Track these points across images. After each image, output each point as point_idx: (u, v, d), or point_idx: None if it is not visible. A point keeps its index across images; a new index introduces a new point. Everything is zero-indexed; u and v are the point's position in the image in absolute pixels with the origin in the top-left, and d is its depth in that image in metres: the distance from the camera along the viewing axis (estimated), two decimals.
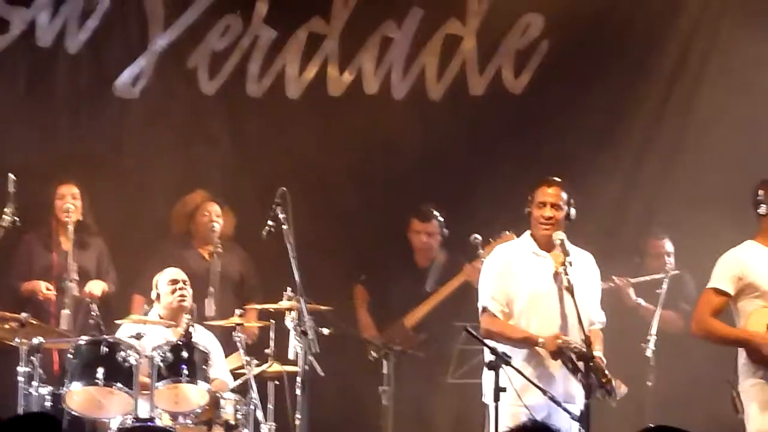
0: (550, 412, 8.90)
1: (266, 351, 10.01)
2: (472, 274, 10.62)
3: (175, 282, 10.16)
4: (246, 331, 10.17)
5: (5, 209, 10.12)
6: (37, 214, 10.71)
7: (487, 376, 8.72)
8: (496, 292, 9.23)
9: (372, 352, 10.76)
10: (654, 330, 10.78)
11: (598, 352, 9.01)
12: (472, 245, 10.39)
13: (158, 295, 10.18)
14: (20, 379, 9.65)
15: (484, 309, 9.19)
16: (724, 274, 9.29)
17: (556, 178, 9.35)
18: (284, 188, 9.89)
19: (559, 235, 9.18)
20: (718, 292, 9.23)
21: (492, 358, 8.69)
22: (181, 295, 10.10)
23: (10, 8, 11.74)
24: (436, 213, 11.32)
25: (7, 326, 9.82)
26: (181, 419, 9.59)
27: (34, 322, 9.99)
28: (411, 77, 12.36)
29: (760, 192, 9.26)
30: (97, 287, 10.80)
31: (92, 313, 10.37)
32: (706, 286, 9.32)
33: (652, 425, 4.89)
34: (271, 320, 10.09)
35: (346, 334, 10.85)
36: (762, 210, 9.27)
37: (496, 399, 8.57)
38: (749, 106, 11.85)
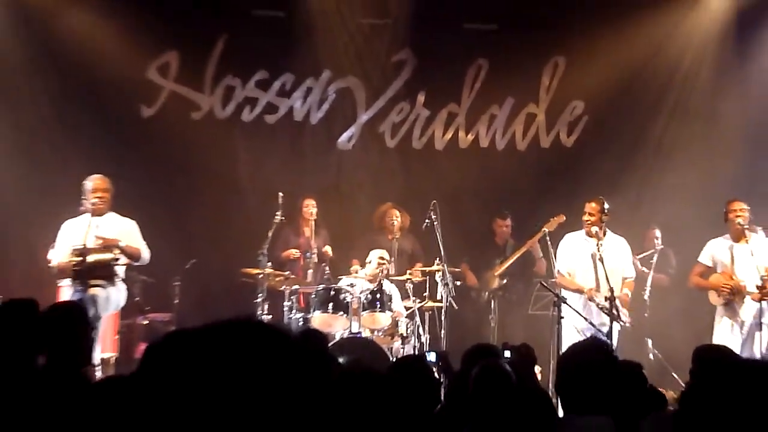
0: (591, 332, 8.91)
1: (424, 294, 10.06)
2: (532, 245, 10.54)
3: (382, 259, 10.10)
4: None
5: (277, 213, 10.09)
6: (292, 215, 10.76)
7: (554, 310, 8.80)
8: (564, 262, 9.44)
9: (482, 294, 10.83)
10: (648, 284, 10.72)
11: (626, 290, 9.45)
12: (536, 229, 10.31)
13: (371, 262, 10.10)
14: (285, 310, 9.79)
15: (558, 271, 9.34)
16: (705, 253, 9.60)
17: (596, 198, 9.47)
18: (435, 201, 9.97)
19: (594, 229, 9.27)
20: (702, 264, 9.45)
21: (555, 299, 8.77)
22: (384, 268, 10.09)
23: (279, 98, 11.82)
24: (508, 213, 11.24)
25: (278, 279, 9.98)
26: (376, 333, 9.66)
27: (293, 277, 10.15)
28: (507, 137, 12.22)
29: (725, 208, 9.52)
30: (329, 250, 10.77)
31: (325, 270, 10.52)
32: (697, 258, 9.70)
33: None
34: (427, 276, 10.17)
35: (468, 284, 10.95)
36: (725, 219, 9.51)
37: (558, 323, 8.66)
38: (712, 154, 11.73)
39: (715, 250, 9.51)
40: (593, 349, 4.36)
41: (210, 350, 1.99)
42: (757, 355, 8.99)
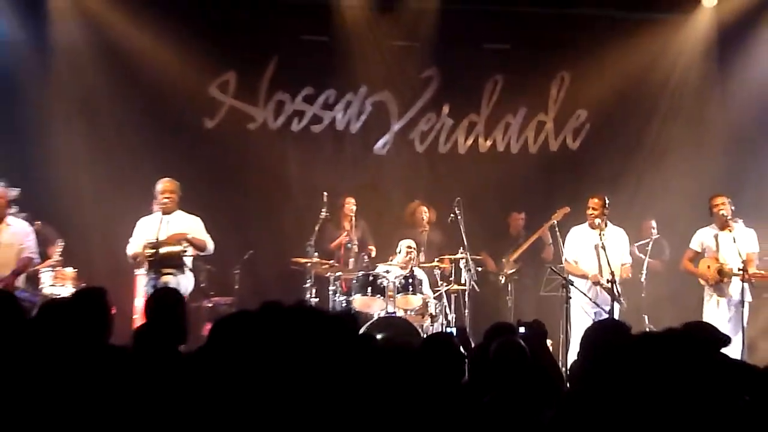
0: (595, 311, 8.88)
1: (450, 279, 10.04)
2: (542, 233, 10.54)
3: (410, 248, 10.07)
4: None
5: (323, 209, 10.08)
6: (334, 212, 10.71)
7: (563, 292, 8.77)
8: (571, 250, 9.38)
9: (500, 278, 10.78)
10: (644, 268, 10.63)
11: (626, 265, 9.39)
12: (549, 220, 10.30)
13: (400, 251, 10.08)
14: (330, 293, 9.79)
15: (566, 259, 9.29)
16: (695, 240, 9.56)
17: (598, 194, 9.44)
18: (459, 198, 9.93)
19: (596, 221, 9.20)
20: (692, 249, 9.36)
21: (564, 282, 8.72)
22: (412, 256, 10.06)
23: (324, 111, 11.84)
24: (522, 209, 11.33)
25: (323, 267, 9.98)
26: (409, 313, 9.63)
27: (336, 265, 10.15)
28: (521, 142, 12.20)
29: (709, 203, 9.50)
30: (373, 251, 10.79)
31: (365, 260, 10.49)
32: (688, 245, 9.67)
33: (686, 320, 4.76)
34: (452, 263, 10.14)
35: (488, 269, 10.90)
36: (710, 212, 9.49)
37: (566, 303, 8.61)
38: (699, 155, 11.68)
39: (703, 238, 9.58)
40: (612, 328, 4.36)
41: (265, 327, 2.03)
42: (740, 329, 8.97)
